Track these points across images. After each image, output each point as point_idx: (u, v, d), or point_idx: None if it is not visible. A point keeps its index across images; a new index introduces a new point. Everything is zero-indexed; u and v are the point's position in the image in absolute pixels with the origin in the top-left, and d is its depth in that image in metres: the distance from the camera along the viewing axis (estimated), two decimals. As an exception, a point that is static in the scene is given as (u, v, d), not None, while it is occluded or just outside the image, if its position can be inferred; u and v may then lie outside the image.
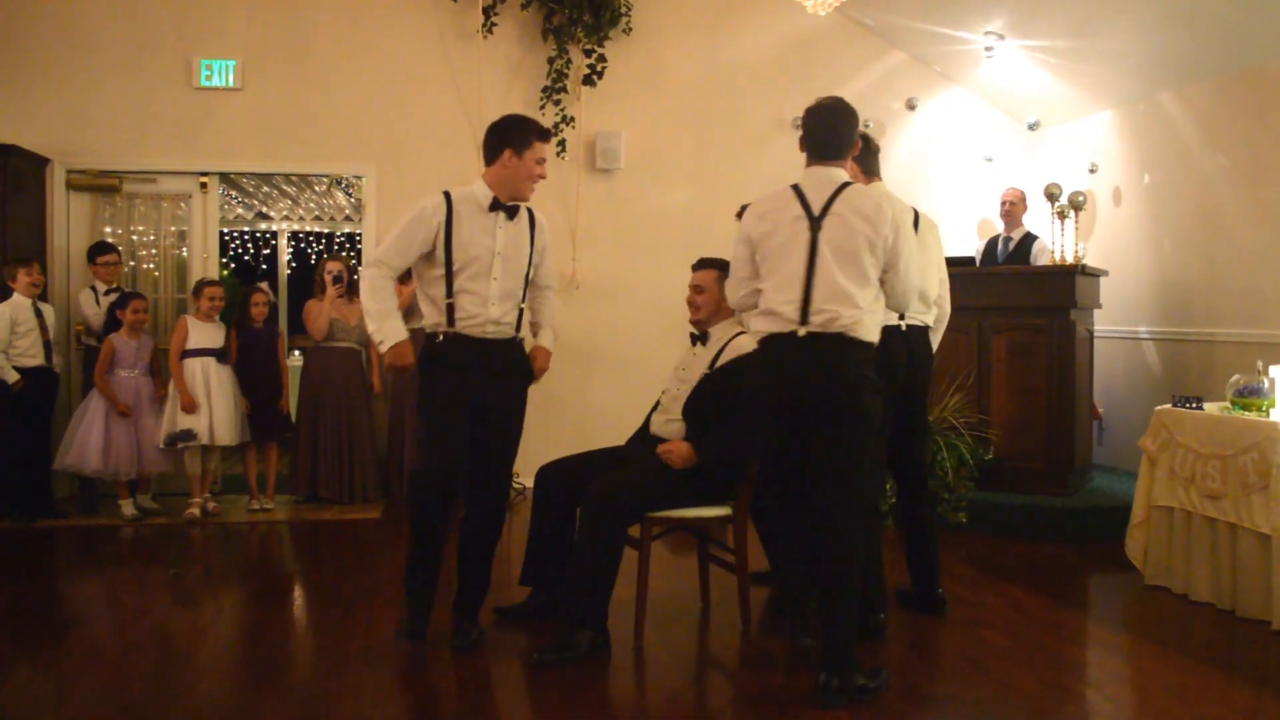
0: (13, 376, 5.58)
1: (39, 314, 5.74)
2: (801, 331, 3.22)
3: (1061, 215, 6.02)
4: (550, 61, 6.76)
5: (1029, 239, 6.46)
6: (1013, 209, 6.53)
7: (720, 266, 3.92)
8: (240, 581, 4.75)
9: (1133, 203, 6.45)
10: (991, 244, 6.65)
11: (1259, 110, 5.41)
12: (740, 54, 7.13)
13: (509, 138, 3.65)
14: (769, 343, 3.30)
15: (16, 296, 5.68)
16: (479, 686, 3.37)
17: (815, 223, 3.25)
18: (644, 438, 4.02)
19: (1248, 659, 3.66)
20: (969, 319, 5.50)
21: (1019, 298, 5.69)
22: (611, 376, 6.84)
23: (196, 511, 5.84)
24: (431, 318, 3.65)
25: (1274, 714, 3.13)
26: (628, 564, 3.66)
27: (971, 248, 6.90)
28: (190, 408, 5.74)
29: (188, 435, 5.74)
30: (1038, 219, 6.59)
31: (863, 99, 7.23)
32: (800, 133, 3.55)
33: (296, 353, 8.41)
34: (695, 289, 3.97)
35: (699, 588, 4.29)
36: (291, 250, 10.48)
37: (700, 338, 3.98)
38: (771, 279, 3.30)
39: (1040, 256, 6.30)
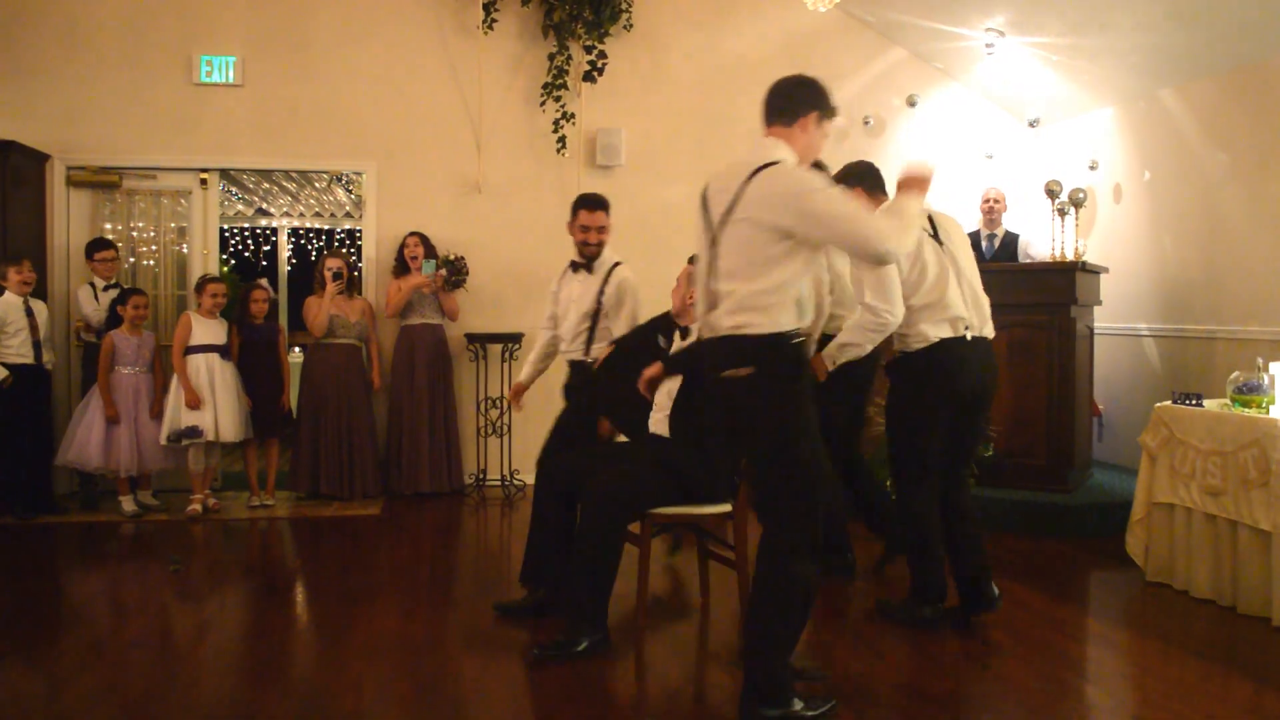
0: (1, 373, 5.58)
1: (29, 312, 5.73)
2: (969, 335, 3.81)
3: (1062, 212, 6.02)
4: (551, 58, 6.76)
5: (1010, 237, 6.52)
6: (995, 207, 6.58)
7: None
8: (241, 578, 4.75)
9: (1133, 200, 6.45)
10: (973, 240, 6.66)
11: (1260, 107, 5.41)
12: (741, 50, 7.13)
13: (818, 100, 3.03)
14: (947, 347, 3.76)
15: (8, 295, 5.67)
16: (479, 683, 3.38)
17: (937, 240, 3.86)
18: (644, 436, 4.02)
19: (1248, 655, 3.66)
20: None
21: (1019, 294, 5.68)
22: (612, 373, 6.84)
23: (198, 508, 5.84)
24: (789, 319, 2.89)
25: (1274, 710, 3.14)
26: (628, 560, 3.67)
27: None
28: (195, 404, 5.74)
29: (194, 432, 5.74)
30: (1038, 215, 6.59)
31: (863, 95, 7.25)
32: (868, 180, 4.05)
33: (297, 349, 8.41)
34: (677, 282, 4.02)
35: (699, 584, 4.30)
36: (291, 247, 10.47)
37: (682, 332, 3.99)
38: (933, 292, 3.77)
39: (1030, 248, 6.36)
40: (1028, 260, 6.34)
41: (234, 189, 9.49)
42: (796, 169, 2.92)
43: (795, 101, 3.01)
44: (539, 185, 6.93)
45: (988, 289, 5.60)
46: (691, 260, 3.97)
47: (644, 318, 4.37)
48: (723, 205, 2.92)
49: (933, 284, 3.77)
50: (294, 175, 9.00)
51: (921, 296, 3.76)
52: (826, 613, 4.10)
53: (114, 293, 6.07)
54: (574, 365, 4.57)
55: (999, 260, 6.39)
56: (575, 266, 4.55)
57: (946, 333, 3.77)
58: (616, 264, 4.51)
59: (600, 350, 4.39)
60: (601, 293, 4.44)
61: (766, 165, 2.87)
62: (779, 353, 2.85)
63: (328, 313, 6.28)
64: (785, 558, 2.87)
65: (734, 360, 2.86)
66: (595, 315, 4.43)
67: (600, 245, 4.48)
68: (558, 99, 6.79)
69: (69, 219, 6.57)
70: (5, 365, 5.60)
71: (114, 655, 3.57)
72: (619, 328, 4.40)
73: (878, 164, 6.70)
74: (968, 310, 3.82)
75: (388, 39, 6.80)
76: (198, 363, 5.83)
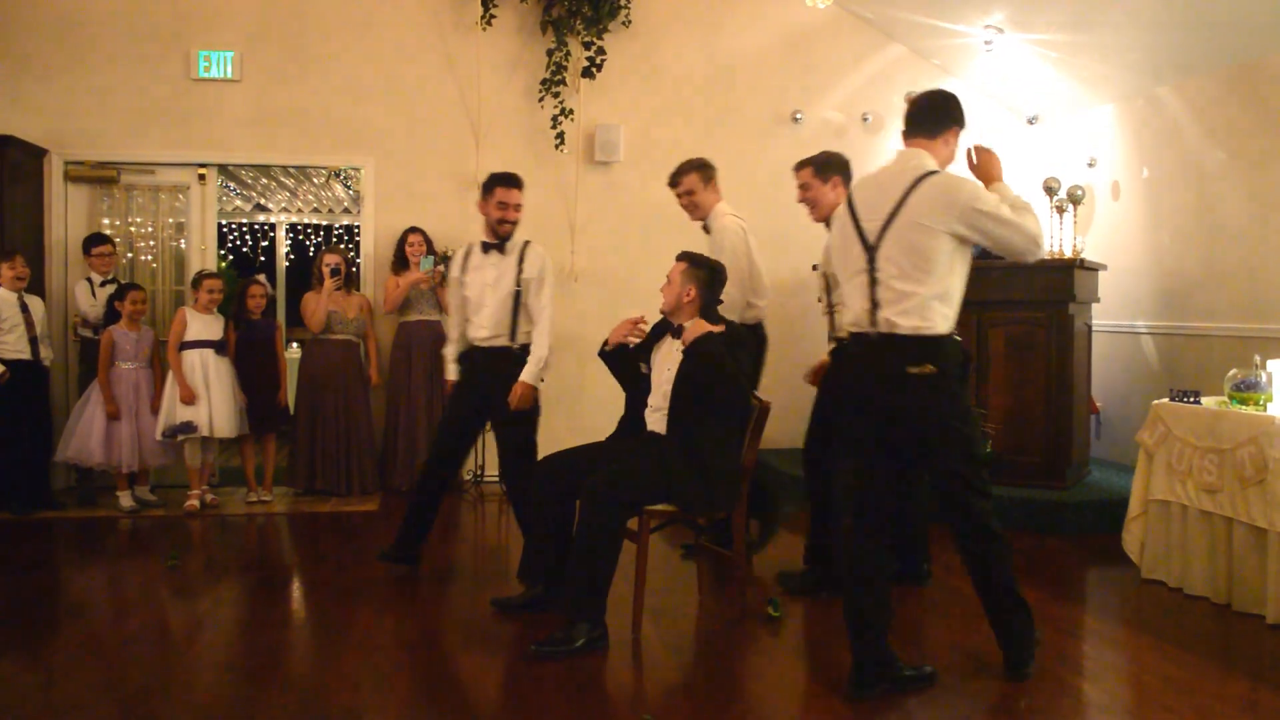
0: None
1: (24, 308, 5.72)
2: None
3: (1060, 209, 6.03)
4: (549, 54, 6.75)
5: None
6: None
7: (691, 260, 3.92)
8: (238, 573, 4.75)
9: (1131, 197, 6.45)
10: None
11: (1258, 104, 5.41)
12: (739, 47, 7.12)
13: (959, 116, 3.29)
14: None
15: (1, 290, 5.65)
16: (476, 679, 3.38)
17: None
18: (640, 433, 4.02)
19: (1243, 652, 3.68)
20: (967, 313, 5.40)
21: (1017, 291, 5.69)
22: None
23: (195, 503, 5.85)
24: (953, 320, 3.21)
25: (1269, 706, 3.15)
26: (626, 556, 3.67)
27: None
28: (189, 399, 5.74)
29: (188, 428, 5.74)
30: (1036, 212, 6.59)
31: (861, 92, 7.25)
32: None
33: (295, 345, 8.40)
34: (666, 279, 3.96)
35: (696, 580, 4.30)
36: (289, 242, 10.45)
37: (675, 330, 3.93)
38: None
39: None
40: None
41: (232, 184, 9.47)
42: (961, 177, 3.15)
43: (941, 117, 3.24)
44: (537, 181, 6.90)
45: (988, 285, 5.67)
46: (680, 257, 3.95)
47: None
48: (884, 210, 3.12)
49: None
50: (292, 171, 8.99)
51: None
52: (825, 610, 4.11)
53: (111, 288, 6.07)
54: (492, 352, 4.38)
55: (982, 257, 6.38)
56: (486, 248, 4.42)
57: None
58: (527, 241, 4.44)
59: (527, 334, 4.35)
60: (521, 271, 4.34)
61: (930, 173, 3.10)
62: (953, 351, 3.13)
63: (325, 309, 6.27)
64: (988, 521, 3.18)
65: (917, 359, 3.08)
66: (518, 296, 4.33)
67: (515, 224, 4.40)
68: (556, 95, 6.78)
69: (67, 214, 6.56)
70: (1, 361, 5.59)
71: (111, 650, 3.57)
72: (545, 306, 4.37)
73: (876, 161, 7.11)
74: None
75: (386, 34, 6.79)
76: (192, 358, 5.82)
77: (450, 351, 4.62)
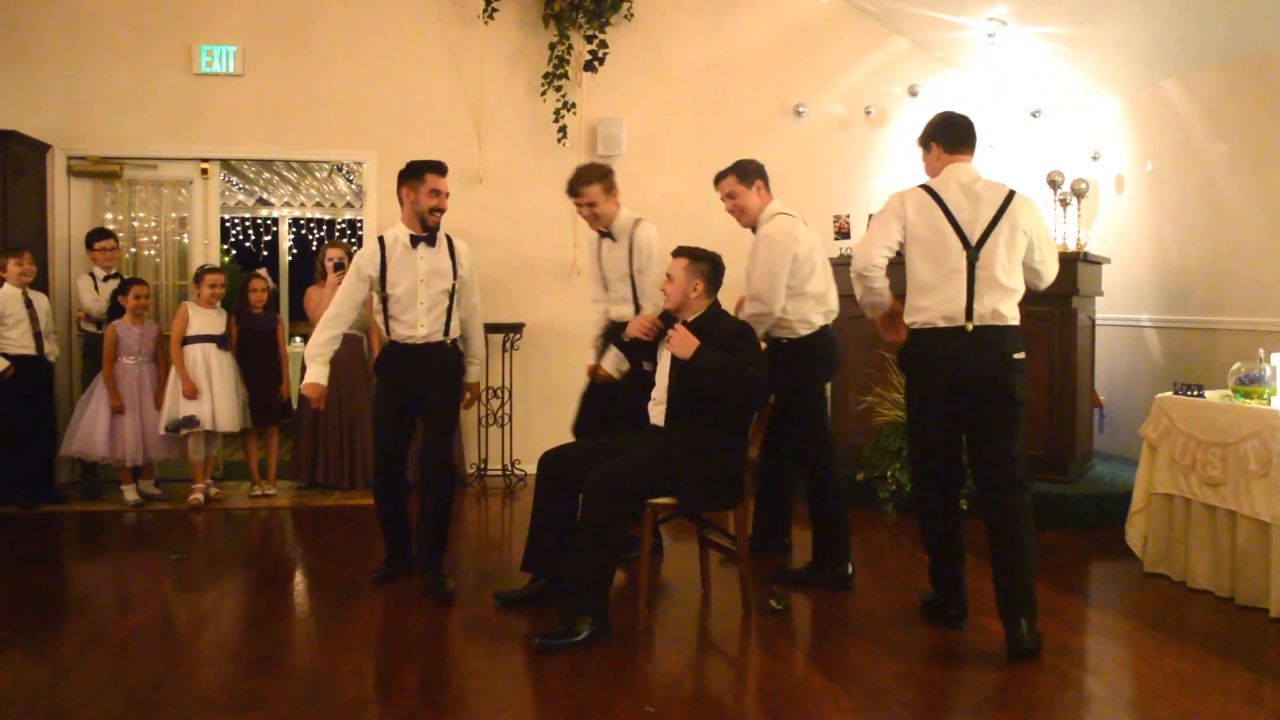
0: (1, 364, 5.58)
1: (29, 304, 5.74)
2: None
3: (1064, 203, 6.01)
4: (551, 47, 6.74)
5: None
6: None
7: (691, 255, 3.89)
8: (242, 567, 4.76)
9: (1135, 190, 6.44)
10: None
11: (1262, 98, 5.39)
12: (742, 40, 7.11)
13: None
14: (827, 331, 4.37)
15: (7, 287, 5.67)
16: (480, 672, 3.39)
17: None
18: (642, 428, 4.03)
19: (1246, 646, 3.67)
20: (970, 306, 5.47)
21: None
22: (613, 363, 6.85)
23: (199, 497, 5.86)
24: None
25: (1272, 700, 3.14)
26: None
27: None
28: (192, 394, 5.75)
29: (190, 421, 5.75)
30: (1040, 206, 6.58)
31: (864, 85, 7.23)
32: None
33: (298, 340, 8.41)
34: (667, 277, 3.94)
35: (699, 573, 4.31)
36: (292, 237, 10.47)
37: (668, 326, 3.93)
38: (821, 284, 4.36)
39: None
40: None
41: (235, 179, 9.48)
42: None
43: (976, 138, 3.68)
44: (540, 175, 6.92)
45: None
46: (678, 253, 3.93)
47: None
48: (988, 214, 3.51)
49: (822, 278, 4.27)
50: (295, 165, 8.99)
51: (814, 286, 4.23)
52: (828, 604, 4.11)
53: (114, 283, 6.08)
54: (428, 348, 4.21)
55: None
56: (415, 240, 4.19)
57: (822, 320, 4.29)
58: (446, 233, 4.30)
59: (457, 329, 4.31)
60: (457, 264, 4.25)
61: (1015, 190, 3.57)
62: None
63: (328, 303, 6.26)
64: (1023, 485, 3.51)
65: (1017, 345, 3.53)
66: (453, 291, 4.23)
67: (443, 213, 4.25)
68: (559, 89, 6.78)
69: (70, 209, 6.57)
70: (6, 356, 5.61)
71: (116, 644, 3.59)
72: (478, 304, 4.40)
73: (879, 154, 7.09)
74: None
75: (388, 28, 6.78)
76: (194, 353, 5.83)
77: (323, 353, 4.27)
